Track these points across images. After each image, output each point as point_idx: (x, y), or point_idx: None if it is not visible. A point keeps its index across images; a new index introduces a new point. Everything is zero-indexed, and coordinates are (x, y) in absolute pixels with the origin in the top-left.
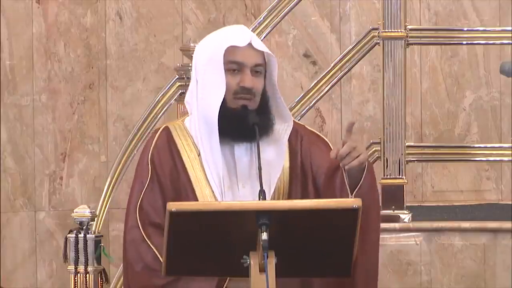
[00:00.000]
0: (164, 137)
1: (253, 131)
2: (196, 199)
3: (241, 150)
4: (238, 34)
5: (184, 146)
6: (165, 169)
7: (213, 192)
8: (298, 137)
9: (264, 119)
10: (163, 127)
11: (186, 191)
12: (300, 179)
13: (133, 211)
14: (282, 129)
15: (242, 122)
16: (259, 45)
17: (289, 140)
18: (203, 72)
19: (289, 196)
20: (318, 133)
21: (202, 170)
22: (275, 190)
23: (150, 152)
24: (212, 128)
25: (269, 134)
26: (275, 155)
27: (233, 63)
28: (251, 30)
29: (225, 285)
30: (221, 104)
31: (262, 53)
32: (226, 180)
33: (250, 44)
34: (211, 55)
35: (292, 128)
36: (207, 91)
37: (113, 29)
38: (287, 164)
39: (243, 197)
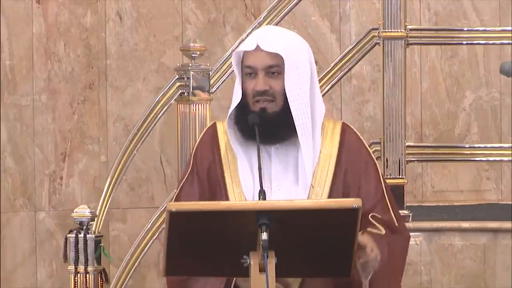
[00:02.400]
0: (210, 133)
1: (276, 133)
2: (227, 196)
3: (279, 152)
4: (249, 39)
5: (227, 143)
6: (204, 163)
7: (243, 191)
8: (357, 155)
9: (288, 121)
10: (211, 123)
11: (220, 187)
12: (341, 191)
13: None
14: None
15: (261, 125)
16: (268, 46)
17: (347, 147)
18: None
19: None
20: (372, 156)
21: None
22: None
23: (195, 147)
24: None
25: (294, 135)
26: (306, 158)
27: (247, 68)
28: (251, 30)
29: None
30: (245, 108)
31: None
32: (257, 181)
33: (258, 47)
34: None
35: (353, 136)
36: (234, 95)
37: (113, 29)
38: (331, 170)
39: (277, 198)
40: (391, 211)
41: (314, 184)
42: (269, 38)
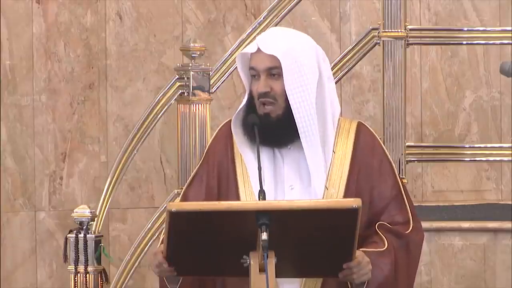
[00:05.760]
0: (225, 130)
1: (281, 137)
2: (238, 193)
3: (292, 152)
4: (253, 41)
5: None
6: (216, 159)
7: (253, 189)
8: (371, 155)
9: (291, 122)
10: (226, 121)
11: (231, 183)
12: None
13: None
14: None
15: (266, 129)
16: (267, 48)
17: (362, 146)
18: None
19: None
20: (388, 155)
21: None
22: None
23: (210, 142)
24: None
25: (297, 138)
26: (311, 160)
27: (251, 69)
28: (251, 30)
29: None
30: (252, 110)
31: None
32: (269, 181)
33: (259, 49)
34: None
35: (368, 135)
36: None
37: (113, 29)
38: (345, 171)
39: (289, 198)
40: (408, 208)
41: (328, 185)
42: (269, 40)
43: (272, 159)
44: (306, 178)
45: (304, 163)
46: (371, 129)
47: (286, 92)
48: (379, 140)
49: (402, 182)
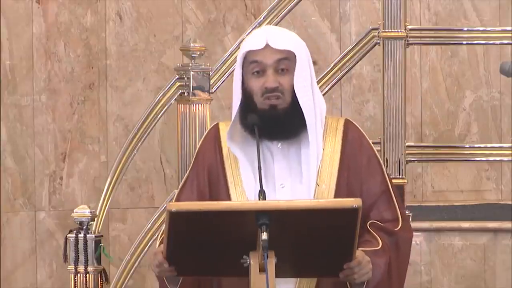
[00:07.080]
0: (213, 133)
1: (287, 129)
2: (229, 194)
3: (281, 150)
4: (255, 38)
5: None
6: (206, 162)
7: (244, 190)
8: (359, 151)
9: (296, 117)
10: (214, 124)
11: (221, 186)
12: (345, 191)
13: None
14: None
15: (272, 121)
16: (278, 44)
17: (351, 143)
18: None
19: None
20: (376, 152)
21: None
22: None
23: (198, 147)
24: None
25: (301, 133)
26: (310, 156)
27: (254, 63)
28: (251, 30)
29: None
30: (252, 107)
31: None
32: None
33: (268, 45)
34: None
35: (356, 132)
36: (234, 96)
37: (113, 29)
38: (336, 168)
39: (281, 197)
40: (396, 206)
41: (320, 182)
42: (278, 36)
43: (262, 158)
44: (296, 175)
45: (294, 160)
46: (358, 126)
47: (295, 87)
48: (367, 136)
49: (390, 180)
